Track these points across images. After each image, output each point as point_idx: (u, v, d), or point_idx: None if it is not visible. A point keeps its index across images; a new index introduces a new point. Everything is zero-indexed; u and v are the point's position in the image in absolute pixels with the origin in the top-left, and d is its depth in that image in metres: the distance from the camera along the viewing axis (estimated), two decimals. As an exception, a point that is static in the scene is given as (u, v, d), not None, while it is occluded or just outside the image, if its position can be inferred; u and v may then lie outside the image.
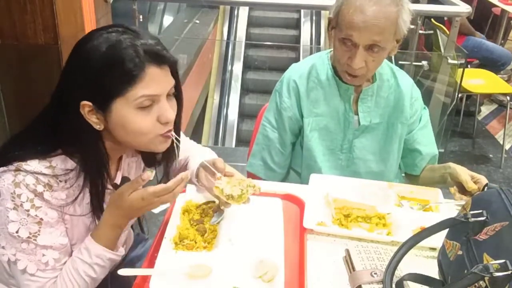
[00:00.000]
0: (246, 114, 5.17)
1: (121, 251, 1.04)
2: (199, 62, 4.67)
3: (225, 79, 5.37)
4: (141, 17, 2.64)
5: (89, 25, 1.92)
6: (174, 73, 0.97)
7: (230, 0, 4.83)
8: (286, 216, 1.19)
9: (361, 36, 1.24)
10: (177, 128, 1.03)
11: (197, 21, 5.43)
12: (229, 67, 5.44)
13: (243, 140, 4.85)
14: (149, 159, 1.13)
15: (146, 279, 0.99)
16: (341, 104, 1.44)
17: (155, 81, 0.91)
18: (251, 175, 1.55)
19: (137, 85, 0.89)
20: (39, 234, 0.93)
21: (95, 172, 0.97)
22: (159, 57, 0.91)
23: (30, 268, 0.94)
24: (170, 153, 1.06)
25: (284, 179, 1.57)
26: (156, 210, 2.62)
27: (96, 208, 1.01)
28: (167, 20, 5.27)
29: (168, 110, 0.94)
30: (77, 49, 0.92)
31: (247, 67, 5.50)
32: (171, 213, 1.17)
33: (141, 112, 0.92)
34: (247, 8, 5.80)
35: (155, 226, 1.24)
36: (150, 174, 0.95)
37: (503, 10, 4.49)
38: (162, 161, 1.12)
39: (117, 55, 0.88)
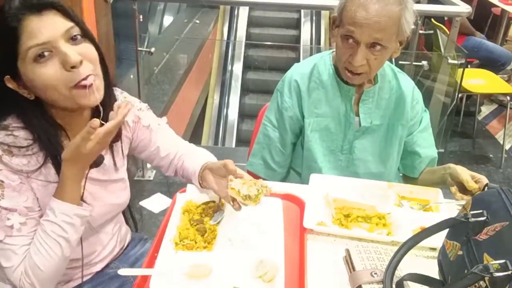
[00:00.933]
0: (246, 114, 5.18)
1: (88, 207, 1.01)
2: (199, 62, 4.67)
3: (225, 79, 5.38)
4: (141, 17, 2.64)
5: (89, 25, 1.92)
6: (69, 16, 0.94)
7: (230, 0, 4.84)
8: (286, 216, 1.19)
9: (362, 33, 1.24)
10: (107, 78, 1.01)
11: (197, 21, 5.43)
12: (229, 67, 5.45)
13: (243, 140, 4.86)
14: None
15: (146, 279, 0.99)
16: (342, 105, 1.44)
17: (37, 29, 0.89)
18: (251, 174, 1.54)
19: (21, 39, 0.89)
20: (2, 198, 0.93)
21: (47, 143, 0.98)
22: (35, 6, 0.90)
23: None
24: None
25: (284, 178, 1.57)
26: (156, 210, 2.64)
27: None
28: (167, 20, 5.27)
29: (68, 52, 0.90)
30: None
31: (247, 67, 5.50)
32: (171, 213, 1.17)
33: (40, 65, 0.90)
34: (247, 8, 5.80)
35: (155, 226, 1.24)
36: (98, 120, 0.91)
37: (503, 10, 4.49)
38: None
39: None
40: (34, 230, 0.98)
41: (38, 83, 0.92)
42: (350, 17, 1.25)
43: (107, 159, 1.12)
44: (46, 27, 0.90)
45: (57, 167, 0.99)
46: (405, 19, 1.26)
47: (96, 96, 0.95)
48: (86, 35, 0.97)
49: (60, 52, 0.91)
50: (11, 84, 0.94)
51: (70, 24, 0.93)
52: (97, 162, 1.07)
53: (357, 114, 1.44)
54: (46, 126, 0.98)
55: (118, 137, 1.14)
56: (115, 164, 1.16)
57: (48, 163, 0.99)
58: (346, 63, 1.31)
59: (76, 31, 0.94)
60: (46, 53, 0.90)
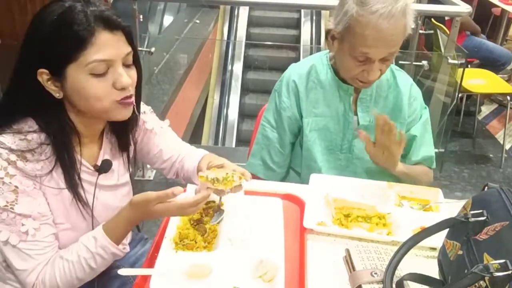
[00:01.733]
0: (246, 114, 5.17)
1: (126, 248, 1.05)
2: (199, 62, 4.67)
3: (225, 79, 5.37)
4: (141, 17, 2.64)
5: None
6: (130, 41, 0.98)
7: (230, 0, 4.84)
8: (286, 216, 1.19)
9: (378, 52, 1.26)
10: (137, 100, 1.05)
11: (197, 21, 5.43)
12: (229, 67, 5.44)
13: (243, 140, 4.85)
14: (123, 138, 1.15)
15: (146, 279, 0.99)
16: (340, 105, 1.44)
17: (106, 45, 0.92)
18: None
19: (88, 49, 0.91)
20: (16, 203, 0.93)
21: (60, 144, 0.98)
22: (110, 22, 0.93)
23: (13, 239, 0.94)
24: (132, 122, 1.11)
25: (284, 178, 1.57)
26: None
27: (71, 184, 1.01)
28: (167, 20, 5.28)
29: (123, 75, 0.95)
30: (33, 19, 0.94)
31: (247, 67, 5.50)
32: (171, 213, 1.17)
33: (95, 77, 0.93)
34: (247, 8, 5.80)
35: (155, 226, 1.24)
36: (181, 189, 0.98)
37: (503, 10, 4.49)
38: (129, 130, 1.14)
39: (67, 20, 0.90)
40: (48, 235, 0.99)
41: (86, 92, 0.94)
42: (362, 40, 1.25)
43: (115, 164, 1.13)
44: (114, 46, 0.94)
45: (67, 172, 1.00)
46: (409, 24, 1.28)
47: (130, 112, 1.02)
48: (136, 61, 1.02)
49: (115, 72, 0.95)
50: (41, 78, 0.94)
51: (129, 49, 0.98)
52: (105, 168, 1.08)
53: (356, 113, 1.45)
54: (65, 128, 0.99)
55: (128, 145, 1.16)
56: (120, 169, 1.17)
57: (58, 167, 0.99)
58: (359, 75, 1.33)
59: (131, 57, 1.00)
60: (104, 68, 0.94)
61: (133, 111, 1.03)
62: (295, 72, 1.47)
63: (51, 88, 0.95)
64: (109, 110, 0.98)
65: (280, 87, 1.49)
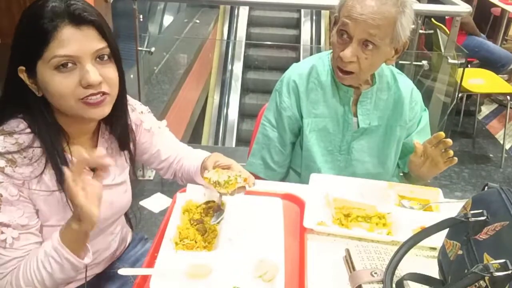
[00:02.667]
0: (246, 114, 5.17)
1: (86, 259, 0.97)
2: (199, 61, 4.67)
3: (225, 79, 5.38)
4: (141, 16, 2.64)
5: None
6: (104, 36, 0.94)
7: (230, 0, 4.84)
8: (286, 216, 1.19)
9: (356, 27, 1.25)
10: (123, 96, 1.03)
11: (197, 21, 5.43)
12: (229, 67, 5.44)
13: (243, 140, 4.86)
14: (120, 137, 1.13)
15: (146, 279, 0.99)
16: (340, 106, 1.44)
17: (70, 41, 0.89)
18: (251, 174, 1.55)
19: (51, 44, 0.89)
20: None
21: (49, 143, 0.97)
22: (75, 16, 0.90)
23: None
24: (123, 120, 1.09)
25: (284, 178, 1.57)
26: (156, 210, 2.64)
27: (63, 184, 0.97)
28: (167, 19, 5.28)
29: (90, 72, 0.91)
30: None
31: (247, 66, 5.50)
32: (171, 212, 1.17)
33: (60, 74, 0.91)
34: (247, 7, 5.80)
35: (155, 226, 1.24)
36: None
37: (503, 10, 4.49)
38: (123, 129, 1.11)
39: (34, 14, 0.90)
40: (27, 244, 0.97)
41: (51, 89, 0.92)
42: (347, 11, 1.27)
43: (112, 164, 1.12)
44: (79, 41, 0.90)
45: (58, 174, 0.98)
46: (401, 23, 1.26)
47: (104, 110, 0.97)
48: (114, 56, 0.98)
49: (83, 68, 0.92)
50: (23, 76, 0.94)
51: (103, 44, 0.94)
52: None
53: (355, 115, 1.44)
54: (50, 127, 0.98)
55: (127, 145, 1.15)
56: (116, 169, 1.16)
57: (49, 169, 0.98)
58: (338, 60, 1.32)
59: (106, 51, 0.95)
60: (69, 64, 0.91)
61: (120, 107, 0.99)
62: (295, 72, 1.47)
63: (32, 86, 0.94)
64: (75, 108, 0.94)
65: (281, 86, 1.49)
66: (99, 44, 0.93)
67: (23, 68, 0.93)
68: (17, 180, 0.94)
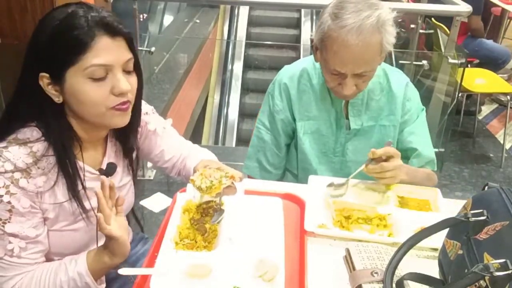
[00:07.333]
0: (247, 114, 5.18)
1: (102, 286, 1.04)
2: (199, 61, 4.67)
3: (225, 79, 5.38)
4: (141, 16, 2.64)
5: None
6: (131, 48, 0.98)
7: (230, 0, 4.84)
8: (287, 216, 1.19)
9: (348, 69, 1.24)
10: (137, 107, 1.06)
11: (198, 21, 5.44)
12: (229, 67, 5.45)
13: (243, 140, 4.86)
14: (127, 143, 1.14)
15: (146, 278, 0.99)
16: (332, 108, 1.43)
17: (106, 50, 0.92)
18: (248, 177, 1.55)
19: (87, 53, 0.91)
20: (8, 222, 0.93)
21: (61, 149, 0.98)
22: (110, 28, 0.93)
23: None
24: (135, 127, 1.12)
25: (280, 180, 1.57)
26: (156, 210, 2.64)
27: (75, 192, 1.01)
28: (168, 19, 5.28)
29: (122, 81, 0.95)
30: (37, 24, 0.95)
31: (247, 66, 5.50)
32: (171, 212, 1.17)
33: (93, 82, 0.93)
34: (247, 7, 5.80)
35: (155, 226, 1.24)
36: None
37: (503, 10, 4.49)
38: (132, 135, 1.14)
39: (69, 24, 0.91)
40: (33, 253, 0.99)
41: (82, 97, 0.94)
42: (332, 56, 1.23)
43: (118, 167, 1.13)
44: (113, 51, 0.94)
45: (70, 183, 1.00)
46: (387, 41, 1.24)
47: (128, 118, 1.01)
48: (136, 68, 1.01)
49: (114, 77, 0.95)
50: (42, 82, 0.94)
51: (130, 55, 0.98)
52: (111, 171, 1.08)
53: (347, 117, 1.44)
54: (64, 133, 0.99)
55: (132, 150, 1.17)
56: (123, 171, 1.17)
57: (62, 178, 0.99)
58: (336, 88, 1.32)
59: (131, 63, 0.99)
60: (104, 74, 0.93)
61: (135, 116, 1.03)
62: (286, 75, 1.47)
63: (51, 92, 0.95)
64: (104, 116, 0.97)
65: (273, 89, 1.49)
66: (128, 55, 0.97)
67: (46, 75, 0.93)
68: (30, 192, 0.95)
